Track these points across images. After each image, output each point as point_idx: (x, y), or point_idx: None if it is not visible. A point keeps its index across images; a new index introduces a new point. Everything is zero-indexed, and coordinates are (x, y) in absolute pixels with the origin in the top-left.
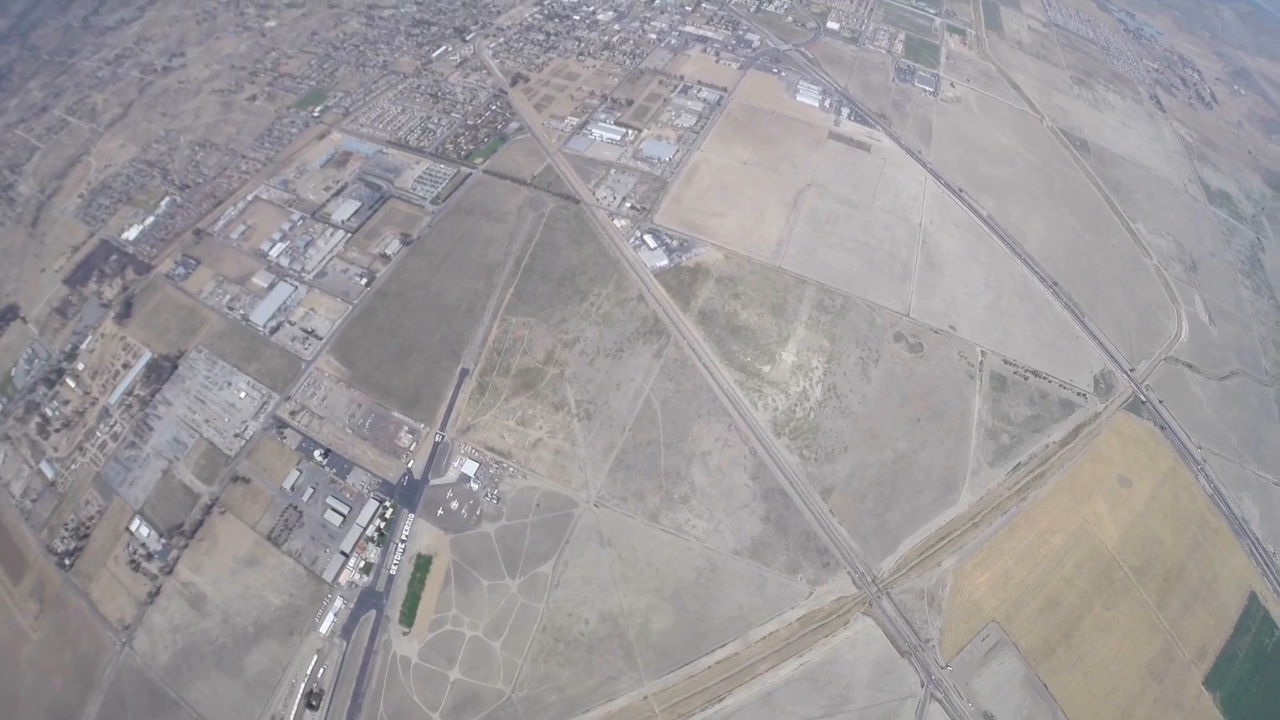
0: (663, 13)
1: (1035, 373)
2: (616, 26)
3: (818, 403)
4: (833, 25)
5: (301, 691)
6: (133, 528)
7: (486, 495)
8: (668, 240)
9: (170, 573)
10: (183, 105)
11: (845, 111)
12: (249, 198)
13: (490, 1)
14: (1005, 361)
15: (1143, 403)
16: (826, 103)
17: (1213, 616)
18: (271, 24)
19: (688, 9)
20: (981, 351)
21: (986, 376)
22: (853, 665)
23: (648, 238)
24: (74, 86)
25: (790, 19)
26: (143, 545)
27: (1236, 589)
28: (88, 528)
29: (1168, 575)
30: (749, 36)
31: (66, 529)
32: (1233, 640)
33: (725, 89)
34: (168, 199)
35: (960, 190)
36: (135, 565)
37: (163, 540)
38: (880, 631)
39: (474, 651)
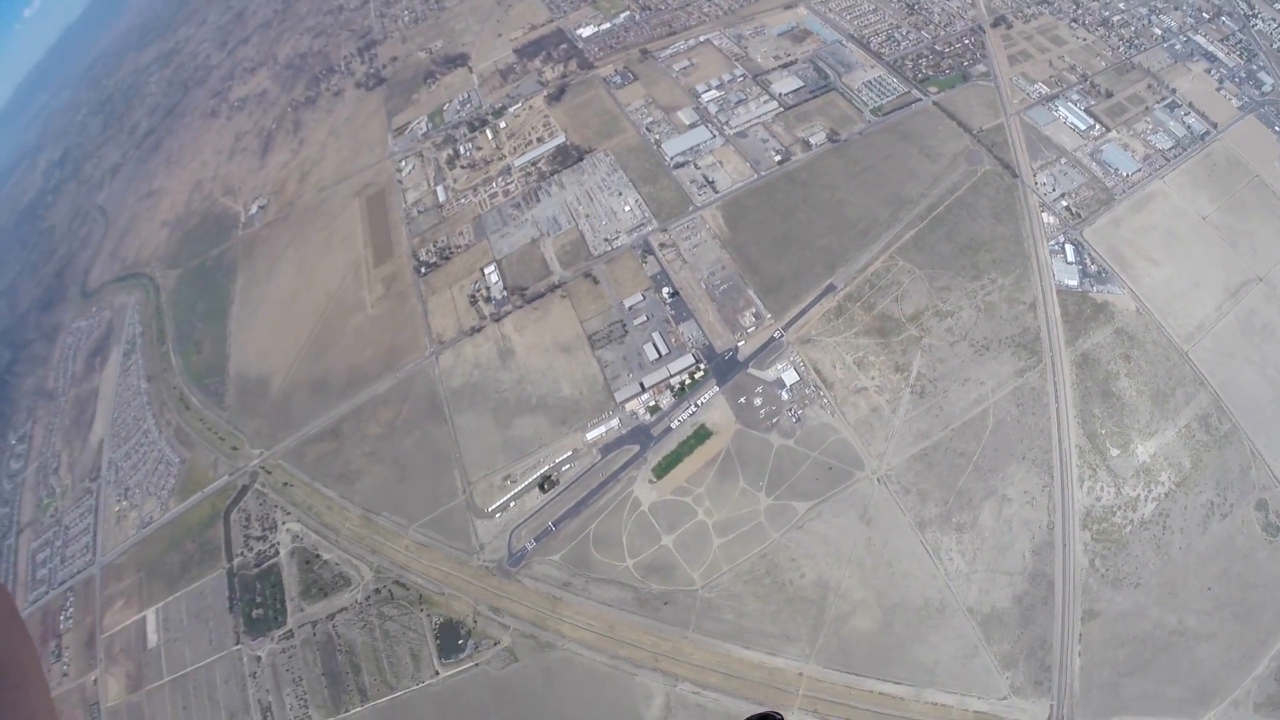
0: (1176, 9)
1: None
2: (1122, 5)
3: (1141, 521)
4: None
5: (542, 472)
6: (486, 271)
7: (790, 410)
8: (1088, 261)
9: (497, 321)
10: None
11: None
12: (701, 38)
13: None
14: None
15: None
16: None
17: None
18: None
19: (1205, 16)
20: None
21: None
22: None
23: (1069, 248)
24: None
25: None
26: (487, 288)
27: None
28: (451, 253)
29: None
30: (1261, 75)
31: (435, 246)
32: None
33: (1215, 125)
34: (627, 13)
35: None
36: (473, 300)
37: (504, 292)
38: None
39: (695, 534)
